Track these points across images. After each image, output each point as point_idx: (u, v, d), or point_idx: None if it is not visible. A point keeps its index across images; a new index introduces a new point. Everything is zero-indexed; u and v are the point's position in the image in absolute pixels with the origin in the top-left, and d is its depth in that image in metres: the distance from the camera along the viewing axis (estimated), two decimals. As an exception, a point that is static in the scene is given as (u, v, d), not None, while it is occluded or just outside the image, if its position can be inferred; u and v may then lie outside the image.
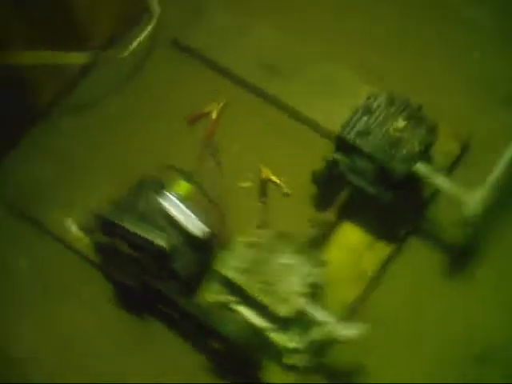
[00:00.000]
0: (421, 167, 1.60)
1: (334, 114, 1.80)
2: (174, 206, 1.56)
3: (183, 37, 2.12)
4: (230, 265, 1.51)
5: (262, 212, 1.84)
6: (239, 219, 1.82)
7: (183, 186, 1.59)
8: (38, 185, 1.91)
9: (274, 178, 1.90)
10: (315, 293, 1.58)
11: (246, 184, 1.94)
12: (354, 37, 2.12)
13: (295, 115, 1.98)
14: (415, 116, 1.62)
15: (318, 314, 1.46)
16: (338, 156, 1.63)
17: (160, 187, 1.58)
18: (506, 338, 1.67)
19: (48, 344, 1.75)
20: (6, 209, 1.89)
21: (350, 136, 1.60)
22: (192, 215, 1.56)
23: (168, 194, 1.57)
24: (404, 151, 1.58)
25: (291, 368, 1.58)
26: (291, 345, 1.52)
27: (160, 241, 1.51)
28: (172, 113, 2.03)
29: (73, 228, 1.75)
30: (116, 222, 1.52)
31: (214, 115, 1.99)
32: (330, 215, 1.70)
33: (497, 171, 1.58)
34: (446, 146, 1.82)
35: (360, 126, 1.60)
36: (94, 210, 1.58)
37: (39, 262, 1.83)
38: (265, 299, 1.47)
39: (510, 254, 1.78)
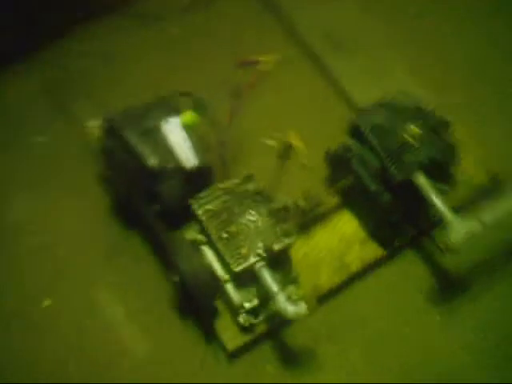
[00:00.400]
0: (420, 178, 1.52)
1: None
2: (175, 132, 1.56)
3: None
4: (203, 205, 1.49)
5: (273, 173, 1.81)
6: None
7: (192, 117, 1.58)
8: (79, 77, 1.99)
9: (298, 146, 1.86)
10: (279, 261, 1.55)
11: (270, 142, 1.91)
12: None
13: (340, 92, 1.95)
14: (436, 129, 1.54)
15: (270, 282, 1.43)
16: (351, 142, 1.57)
17: (172, 111, 1.58)
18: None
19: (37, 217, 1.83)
20: (42, 89, 1.98)
21: (366, 126, 1.53)
22: (188, 146, 1.55)
23: (174, 119, 1.57)
24: (408, 157, 1.50)
25: (244, 329, 1.57)
26: (246, 305, 1.51)
27: (152, 159, 1.53)
28: (225, 49, 2.04)
29: (92, 124, 1.77)
30: (119, 129, 1.56)
31: (264, 67, 1.96)
32: (324, 196, 1.63)
33: (495, 211, 1.48)
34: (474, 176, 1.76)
35: (378, 119, 1.52)
36: (108, 112, 1.61)
37: (53, 142, 1.91)
38: (223, 248, 1.45)
39: (499, 302, 1.67)
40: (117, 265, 1.73)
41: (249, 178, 1.48)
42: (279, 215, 1.45)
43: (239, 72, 2.01)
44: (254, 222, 1.43)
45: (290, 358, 1.67)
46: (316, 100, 1.96)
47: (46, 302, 1.69)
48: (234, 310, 1.52)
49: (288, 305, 1.38)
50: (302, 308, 1.38)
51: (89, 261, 1.74)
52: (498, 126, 1.94)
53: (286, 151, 1.89)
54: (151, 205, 1.58)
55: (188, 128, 1.57)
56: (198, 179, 1.57)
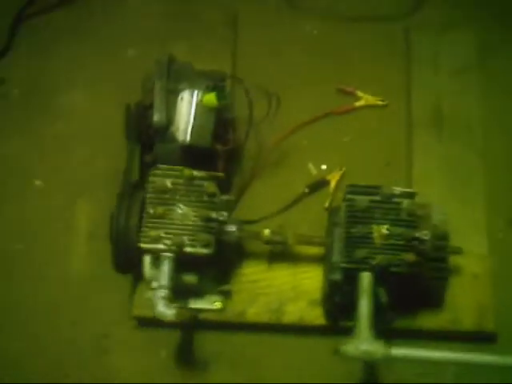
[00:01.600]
0: (363, 278, 1.42)
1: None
2: (191, 105, 1.58)
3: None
4: (159, 176, 1.50)
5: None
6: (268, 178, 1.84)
7: (212, 100, 1.58)
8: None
9: (332, 188, 1.83)
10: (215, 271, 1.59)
11: (312, 168, 1.89)
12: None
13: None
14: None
15: (163, 274, 1.44)
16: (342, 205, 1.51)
17: (203, 86, 1.60)
18: None
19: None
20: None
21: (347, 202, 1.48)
22: (191, 122, 1.57)
23: (196, 94, 1.59)
24: (360, 252, 1.41)
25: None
26: (154, 284, 1.49)
27: (157, 115, 1.57)
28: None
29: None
30: (156, 75, 1.61)
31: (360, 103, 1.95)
32: (293, 240, 1.59)
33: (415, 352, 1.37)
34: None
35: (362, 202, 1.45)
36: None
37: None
38: (144, 221, 1.47)
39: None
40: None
41: (212, 177, 1.48)
42: (210, 224, 1.44)
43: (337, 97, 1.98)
44: (183, 216, 1.43)
45: (185, 357, 1.70)
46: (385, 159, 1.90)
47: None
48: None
49: (160, 302, 1.39)
50: (168, 314, 1.39)
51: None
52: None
53: (320, 184, 1.85)
54: (145, 152, 1.64)
55: (202, 107, 1.58)
56: (201, 159, 1.59)
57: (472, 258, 1.71)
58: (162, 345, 1.71)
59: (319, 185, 1.85)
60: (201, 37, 2.02)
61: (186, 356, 1.70)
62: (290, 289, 1.68)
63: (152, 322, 1.67)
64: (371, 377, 1.65)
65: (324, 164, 1.89)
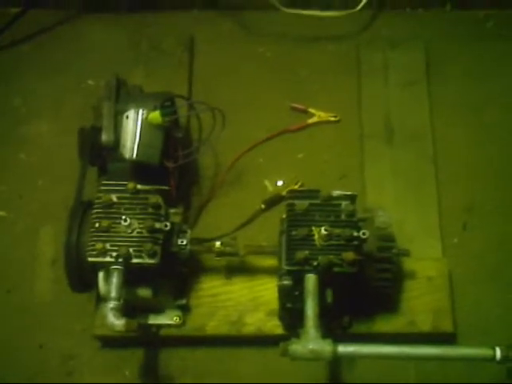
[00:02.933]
0: (308, 280, 1.45)
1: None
2: (136, 123, 1.62)
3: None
4: (106, 192, 1.53)
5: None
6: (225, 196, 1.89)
7: (157, 118, 1.61)
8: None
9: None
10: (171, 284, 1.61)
11: (268, 184, 1.93)
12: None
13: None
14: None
15: (113, 286, 1.45)
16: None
17: (149, 105, 1.64)
18: None
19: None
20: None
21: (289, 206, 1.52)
22: (137, 139, 1.61)
23: (141, 112, 1.62)
24: (300, 254, 1.44)
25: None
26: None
27: (106, 135, 1.62)
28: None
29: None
30: (104, 98, 1.66)
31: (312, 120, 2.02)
32: (244, 251, 1.62)
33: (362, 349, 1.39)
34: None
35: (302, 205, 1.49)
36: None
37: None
38: (90, 236, 1.49)
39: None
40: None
41: (157, 191, 1.52)
42: (155, 235, 1.47)
43: (291, 114, 2.03)
44: (128, 228, 1.47)
45: (150, 374, 1.72)
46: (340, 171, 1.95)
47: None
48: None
49: (110, 314, 1.42)
50: (117, 324, 1.41)
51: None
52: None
53: (275, 201, 1.89)
54: (101, 174, 1.69)
55: (149, 125, 1.62)
56: (152, 177, 1.63)
57: (426, 262, 1.75)
58: (126, 364, 1.73)
59: (275, 201, 1.89)
60: (158, 62, 2.09)
61: (150, 374, 1.72)
62: (248, 301, 1.71)
63: (114, 342, 1.73)
64: (336, 376, 1.68)
65: (280, 180, 1.94)
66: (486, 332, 1.73)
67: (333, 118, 2.01)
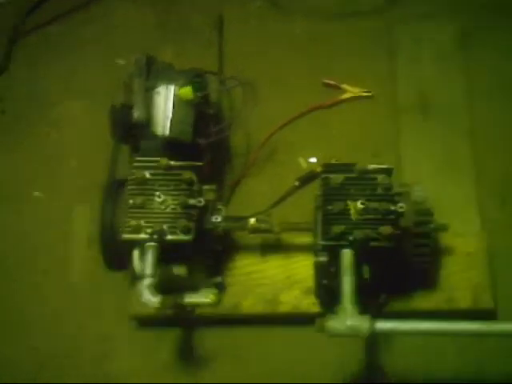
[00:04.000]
0: (344, 255, 1.43)
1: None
2: (168, 100, 1.61)
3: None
4: (140, 168, 1.52)
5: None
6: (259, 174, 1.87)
7: (189, 93, 1.61)
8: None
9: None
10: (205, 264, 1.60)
11: (303, 162, 1.91)
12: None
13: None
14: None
15: (148, 263, 1.45)
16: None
17: (179, 81, 1.63)
18: None
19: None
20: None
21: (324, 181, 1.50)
22: (170, 117, 1.60)
23: (172, 88, 1.62)
24: (337, 228, 1.42)
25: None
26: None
27: (137, 112, 1.60)
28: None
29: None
30: (134, 75, 1.65)
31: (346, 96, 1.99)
32: (277, 228, 1.60)
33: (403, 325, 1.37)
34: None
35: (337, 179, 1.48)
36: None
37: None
38: (124, 213, 1.49)
39: None
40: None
41: (190, 166, 1.50)
42: (189, 211, 1.46)
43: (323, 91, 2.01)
44: (162, 204, 1.46)
45: (186, 354, 1.72)
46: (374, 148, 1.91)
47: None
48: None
49: (146, 290, 1.41)
50: (153, 301, 1.41)
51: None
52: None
53: (312, 177, 1.87)
54: (133, 152, 1.68)
55: (180, 101, 1.61)
56: (185, 154, 1.61)
57: (464, 237, 1.71)
58: (163, 344, 1.73)
59: (310, 178, 1.86)
60: (187, 41, 2.09)
61: (187, 354, 1.72)
62: (283, 279, 1.70)
63: (151, 321, 1.72)
64: (372, 355, 1.66)
65: (313, 157, 1.91)
66: (528, 308, 1.69)
67: (366, 94, 1.98)
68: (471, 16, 2.07)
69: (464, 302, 1.65)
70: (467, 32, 2.03)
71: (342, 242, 1.42)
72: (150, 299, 1.41)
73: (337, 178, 1.45)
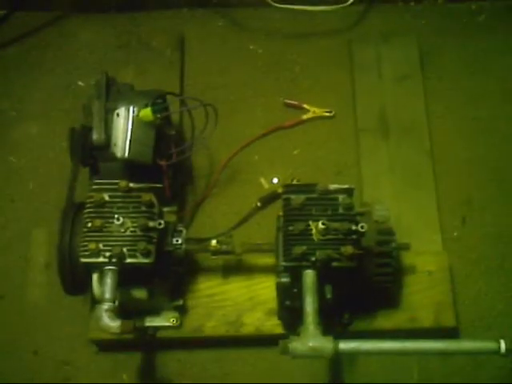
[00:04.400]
0: (306, 276, 1.42)
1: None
2: (128, 121, 1.59)
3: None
4: (99, 191, 1.49)
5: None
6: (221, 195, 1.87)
7: (149, 114, 1.58)
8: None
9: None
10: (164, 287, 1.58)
11: (264, 182, 1.91)
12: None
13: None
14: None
15: (107, 287, 1.42)
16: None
17: (139, 102, 1.60)
18: None
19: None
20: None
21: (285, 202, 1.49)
22: (128, 137, 1.57)
23: (131, 109, 1.59)
24: (298, 249, 1.41)
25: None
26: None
27: (96, 134, 1.58)
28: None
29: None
30: (94, 96, 1.63)
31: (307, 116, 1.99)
32: (239, 249, 1.59)
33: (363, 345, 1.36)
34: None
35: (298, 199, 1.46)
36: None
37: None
38: (83, 236, 1.45)
39: None
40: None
41: (150, 189, 1.48)
42: (149, 234, 1.44)
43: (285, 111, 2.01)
44: (121, 227, 1.43)
45: (147, 378, 1.70)
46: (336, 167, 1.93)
47: None
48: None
49: (105, 315, 1.38)
50: (112, 326, 1.37)
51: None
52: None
53: (271, 199, 1.86)
54: (92, 174, 1.66)
55: (140, 122, 1.59)
56: (146, 176, 1.59)
57: (426, 256, 1.72)
58: (123, 368, 1.71)
59: (271, 198, 1.86)
60: (148, 62, 2.06)
61: (147, 377, 1.69)
62: (246, 300, 1.68)
63: (111, 346, 1.69)
64: (337, 376, 1.65)
65: (275, 177, 1.91)
66: (489, 326, 1.71)
67: (327, 114, 1.98)
68: (430, 36, 2.10)
69: (426, 320, 1.65)
70: (426, 52, 2.06)
71: (304, 263, 1.41)
72: (110, 324, 1.38)
73: (298, 199, 1.44)
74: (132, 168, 1.61)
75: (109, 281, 1.42)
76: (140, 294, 1.52)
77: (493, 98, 2.01)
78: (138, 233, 1.43)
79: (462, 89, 2.03)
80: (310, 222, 1.42)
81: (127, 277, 1.47)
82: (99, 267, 1.44)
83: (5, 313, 1.78)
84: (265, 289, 1.68)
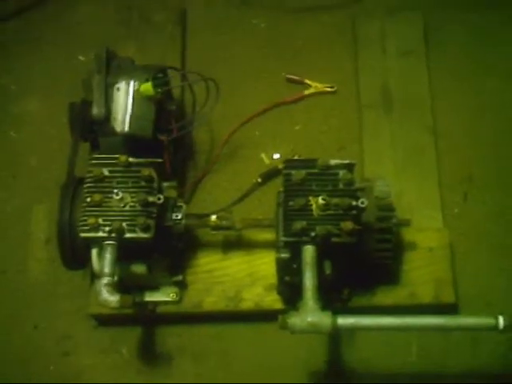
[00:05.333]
0: (305, 251, 1.41)
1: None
2: (128, 96, 1.58)
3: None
4: (98, 166, 1.49)
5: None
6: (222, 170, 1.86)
7: (149, 89, 1.57)
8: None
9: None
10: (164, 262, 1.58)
11: (265, 158, 1.89)
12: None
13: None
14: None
15: (106, 262, 1.42)
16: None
17: (139, 76, 1.59)
18: None
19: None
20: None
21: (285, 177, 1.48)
22: (129, 112, 1.57)
23: (132, 83, 1.58)
24: (298, 224, 1.40)
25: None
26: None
27: (96, 109, 1.58)
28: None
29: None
30: (94, 71, 1.62)
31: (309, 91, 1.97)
32: (238, 224, 1.58)
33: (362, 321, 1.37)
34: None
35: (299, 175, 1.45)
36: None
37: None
38: (82, 211, 1.45)
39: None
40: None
41: (149, 163, 1.48)
42: (149, 209, 1.44)
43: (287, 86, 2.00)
44: (121, 201, 1.43)
45: (147, 353, 1.70)
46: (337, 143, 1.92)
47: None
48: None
49: (103, 289, 1.38)
50: (111, 300, 1.38)
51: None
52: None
53: (273, 173, 1.86)
54: (92, 149, 1.65)
55: (140, 97, 1.58)
56: (146, 151, 1.58)
57: (427, 232, 1.71)
58: (123, 342, 1.71)
59: (272, 174, 1.86)
60: (150, 37, 2.05)
61: (147, 352, 1.70)
62: (245, 276, 1.68)
63: (110, 320, 1.70)
64: (336, 351, 1.65)
65: (277, 153, 1.90)
66: (488, 303, 1.70)
67: (329, 89, 1.97)
68: (435, 11, 2.07)
69: (426, 297, 1.64)
70: (431, 27, 2.04)
71: (304, 238, 1.41)
72: (109, 298, 1.38)
73: (298, 174, 1.44)
74: (132, 143, 1.60)
75: (108, 255, 1.42)
76: (139, 269, 1.53)
77: (497, 74, 1.99)
78: (138, 208, 1.42)
79: (466, 64, 2.01)
80: (311, 198, 1.42)
81: (126, 252, 1.47)
82: (98, 242, 1.44)
83: (6, 288, 1.79)
84: (264, 264, 1.68)
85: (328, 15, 2.10)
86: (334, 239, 1.40)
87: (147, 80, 1.59)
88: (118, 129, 1.58)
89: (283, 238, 1.43)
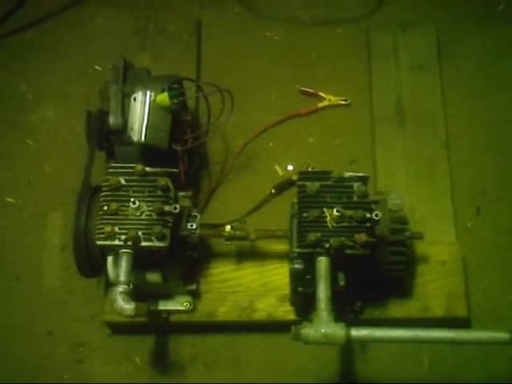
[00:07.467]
0: (320, 262, 1.42)
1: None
2: (144, 105, 1.60)
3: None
4: (115, 174, 1.50)
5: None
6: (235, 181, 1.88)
7: (165, 99, 1.59)
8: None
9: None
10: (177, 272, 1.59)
11: (278, 169, 1.91)
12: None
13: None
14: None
15: (122, 270, 1.43)
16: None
17: (156, 87, 1.62)
18: None
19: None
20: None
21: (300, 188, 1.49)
22: (145, 122, 1.59)
23: (148, 94, 1.60)
24: (312, 236, 1.41)
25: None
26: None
27: (113, 118, 1.60)
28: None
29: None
30: (111, 81, 1.64)
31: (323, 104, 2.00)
32: (253, 235, 1.59)
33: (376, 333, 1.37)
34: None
35: (313, 187, 1.46)
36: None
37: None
38: (98, 219, 1.46)
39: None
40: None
41: (166, 173, 1.49)
42: (165, 218, 1.45)
43: (301, 98, 2.02)
44: (137, 210, 1.44)
45: (160, 361, 1.71)
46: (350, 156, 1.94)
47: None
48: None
49: (119, 298, 1.40)
50: (127, 308, 1.39)
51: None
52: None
53: (285, 186, 1.87)
54: (108, 158, 1.67)
55: (157, 107, 1.60)
56: (161, 161, 1.60)
57: (439, 246, 1.72)
58: (137, 351, 1.72)
59: (286, 185, 1.87)
60: (165, 47, 2.07)
61: (160, 361, 1.71)
62: (259, 286, 1.69)
63: (124, 328, 1.71)
64: (348, 363, 1.66)
65: (290, 164, 1.91)
66: (501, 317, 1.71)
67: (343, 102, 1.98)
68: (449, 26, 2.09)
69: (438, 310, 1.65)
70: (444, 41, 2.06)
71: (318, 250, 1.42)
72: (124, 306, 1.39)
73: (313, 186, 1.45)
74: (148, 152, 1.62)
75: (124, 264, 1.43)
76: (154, 277, 1.54)
77: (510, 89, 2.00)
78: (154, 216, 1.44)
79: (480, 79, 2.02)
80: (325, 209, 1.43)
81: (142, 260, 1.48)
82: (114, 250, 1.45)
83: (20, 294, 1.80)
84: (278, 275, 1.69)
85: (342, 29, 2.12)
86: (348, 251, 1.41)
87: (163, 90, 1.61)
88: (135, 138, 1.59)
89: (297, 249, 1.44)
